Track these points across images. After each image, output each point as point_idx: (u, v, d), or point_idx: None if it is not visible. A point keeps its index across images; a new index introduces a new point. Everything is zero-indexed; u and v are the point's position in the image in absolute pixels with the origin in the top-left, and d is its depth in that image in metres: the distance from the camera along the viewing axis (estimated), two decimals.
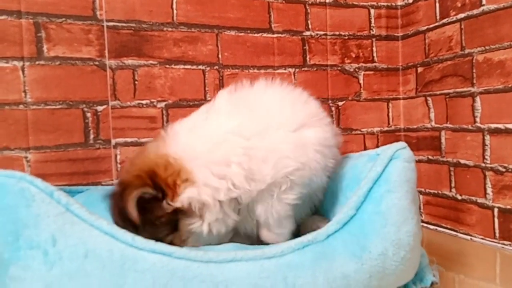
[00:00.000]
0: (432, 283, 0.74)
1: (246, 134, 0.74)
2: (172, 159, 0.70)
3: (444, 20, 1.28)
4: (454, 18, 1.25)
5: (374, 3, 1.43)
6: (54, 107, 1.06)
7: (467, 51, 1.22)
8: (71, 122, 1.08)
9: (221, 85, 1.24)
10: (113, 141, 1.12)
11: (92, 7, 1.09)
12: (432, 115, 1.37)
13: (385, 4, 1.44)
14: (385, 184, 0.71)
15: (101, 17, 1.10)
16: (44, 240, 0.53)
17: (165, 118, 1.18)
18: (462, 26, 1.23)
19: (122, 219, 0.62)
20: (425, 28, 1.36)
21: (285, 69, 1.33)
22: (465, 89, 1.23)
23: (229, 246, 0.70)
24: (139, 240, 0.56)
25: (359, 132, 1.45)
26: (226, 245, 0.70)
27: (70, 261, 0.53)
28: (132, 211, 0.62)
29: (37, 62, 1.04)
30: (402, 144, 0.78)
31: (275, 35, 1.30)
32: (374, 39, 1.44)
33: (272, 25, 1.30)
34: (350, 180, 0.87)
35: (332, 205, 0.92)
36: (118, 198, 0.64)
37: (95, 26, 1.09)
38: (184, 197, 0.68)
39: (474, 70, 1.20)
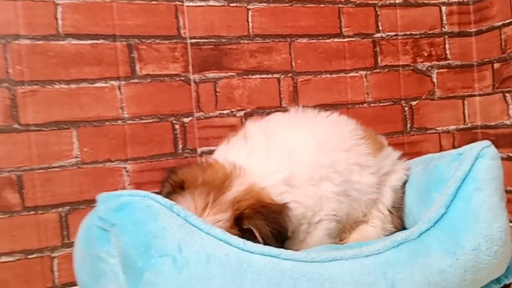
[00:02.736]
0: None
1: None
2: None
3: None
4: None
5: (445, 0, 1.42)
6: (147, 121, 1.16)
7: None
8: (162, 134, 1.17)
9: (295, 92, 1.29)
10: (199, 150, 1.21)
11: (177, 26, 1.18)
12: (511, 111, 1.34)
13: (456, 0, 1.43)
14: (473, 182, 0.73)
15: (185, 35, 1.19)
16: (171, 248, 0.60)
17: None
18: None
19: (277, 234, 0.71)
20: (501, 23, 1.33)
21: (356, 72, 1.35)
22: None
23: (320, 247, 0.75)
24: (249, 244, 0.63)
25: (434, 131, 1.44)
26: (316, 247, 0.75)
27: (196, 265, 0.59)
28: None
29: (131, 81, 1.15)
30: (486, 142, 0.79)
31: (346, 39, 1.34)
32: (446, 37, 1.43)
33: (343, 30, 1.33)
34: (434, 180, 0.89)
35: (415, 204, 0.94)
36: (277, 217, 0.72)
37: (179, 44, 1.18)
38: None
39: None
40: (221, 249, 0.62)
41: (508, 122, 1.35)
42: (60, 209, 1.10)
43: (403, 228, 0.94)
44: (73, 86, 1.10)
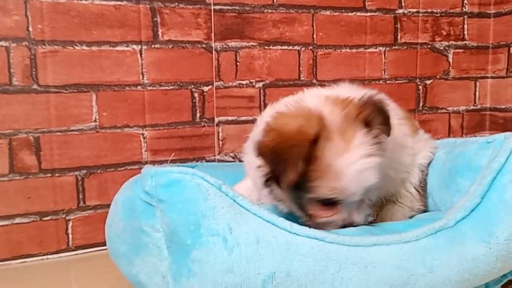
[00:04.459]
0: None
1: None
2: None
3: None
4: None
5: None
6: (167, 88, 1.14)
7: None
8: (181, 102, 1.16)
9: (314, 65, 1.28)
10: (216, 120, 1.20)
11: None
12: None
13: None
14: (508, 174, 0.74)
15: (209, 1, 1.15)
16: (222, 228, 0.61)
17: (262, 98, 1.24)
18: None
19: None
20: None
21: (375, 48, 1.34)
22: None
23: (355, 230, 0.76)
24: (296, 226, 0.63)
25: (445, 111, 1.45)
26: (352, 229, 0.76)
27: (246, 246, 0.60)
28: None
29: (153, 46, 1.11)
30: None
31: (368, 14, 1.31)
32: (466, 16, 1.42)
33: (366, 4, 1.31)
34: (460, 167, 0.91)
35: (437, 188, 0.96)
36: None
37: (203, 10, 1.14)
38: None
39: None
40: (270, 231, 0.62)
41: None
42: (77, 173, 1.08)
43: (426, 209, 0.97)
44: (94, 48, 1.06)
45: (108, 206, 0.77)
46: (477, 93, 1.48)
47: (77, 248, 1.10)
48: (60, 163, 1.07)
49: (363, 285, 0.63)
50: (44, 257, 1.07)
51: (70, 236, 1.10)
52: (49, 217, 1.07)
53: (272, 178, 0.72)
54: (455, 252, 0.68)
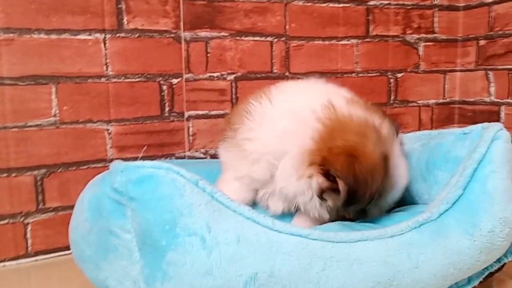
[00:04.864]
0: None
1: None
2: None
3: None
4: None
5: None
6: (133, 80, 1.07)
7: None
8: (149, 95, 1.09)
9: (287, 57, 1.24)
10: (186, 114, 1.14)
11: None
12: (492, 89, 1.37)
13: None
14: (489, 164, 0.73)
15: None
16: (200, 227, 0.56)
17: (233, 91, 1.19)
18: None
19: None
20: (491, 0, 1.33)
21: (348, 41, 1.32)
22: None
23: (336, 225, 0.73)
24: (278, 223, 0.59)
25: (415, 104, 1.45)
26: (332, 225, 0.73)
27: (226, 246, 0.56)
28: None
29: (117, 35, 1.04)
30: (499, 125, 0.79)
31: (341, 5, 1.29)
32: (436, 9, 1.42)
33: None
34: (437, 159, 0.89)
35: (414, 182, 0.94)
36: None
37: None
38: None
39: None
40: (251, 228, 0.58)
41: (487, 100, 1.38)
42: (35, 172, 1.00)
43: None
44: (53, 36, 0.98)
45: (71, 207, 0.70)
46: (446, 86, 1.49)
47: (37, 253, 1.02)
48: (17, 162, 0.98)
49: (348, 283, 0.60)
50: (1, 264, 0.99)
51: (29, 240, 1.02)
52: (5, 221, 0.99)
53: (346, 199, 0.71)
54: (440, 245, 0.66)
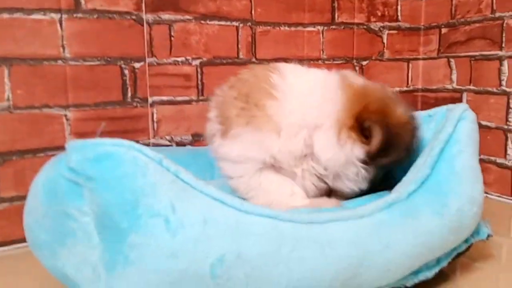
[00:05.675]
0: (488, 236, 0.78)
1: None
2: None
3: None
4: None
5: None
6: (92, 63, 1.02)
7: (497, 14, 1.23)
8: (110, 79, 1.05)
9: (253, 43, 1.22)
10: (150, 100, 1.10)
11: None
12: (454, 76, 1.39)
13: None
14: (455, 144, 0.73)
15: None
16: (163, 207, 0.52)
17: (199, 77, 1.16)
18: None
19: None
20: None
21: (314, 27, 1.31)
22: (492, 52, 1.26)
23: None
24: (247, 204, 0.57)
25: None
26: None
27: (192, 227, 0.53)
28: None
29: (74, 15, 0.99)
30: (465, 105, 0.80)
31: None
32: None
33: None
34: None
35: None
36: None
37: None
38: None
39: (504, 34, 1.22)
40: (218, 210, 0.55)
41: (449, 87, 1.41)
42: None
43: None
44: (5, 16, 0.92)
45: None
46: (409, 74, 1.50)
47: None
48: None
49: (319, 265, 0.59)
50: None
51: None
52: None
53: (380, 148, 0.75)
54: (410, 226, 0.65)
